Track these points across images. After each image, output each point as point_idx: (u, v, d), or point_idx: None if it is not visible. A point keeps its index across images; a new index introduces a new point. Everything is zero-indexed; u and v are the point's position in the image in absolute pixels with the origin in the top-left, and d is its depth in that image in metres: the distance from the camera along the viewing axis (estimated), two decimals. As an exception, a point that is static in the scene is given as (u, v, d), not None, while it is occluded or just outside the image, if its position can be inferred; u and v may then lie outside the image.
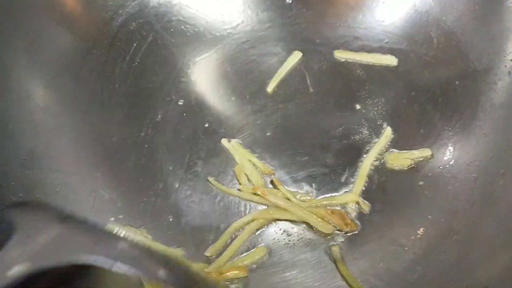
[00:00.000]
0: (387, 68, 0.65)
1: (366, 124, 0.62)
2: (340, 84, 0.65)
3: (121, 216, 0.57)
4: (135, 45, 0.68)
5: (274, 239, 0.55)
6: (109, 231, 0.48)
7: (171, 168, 0.60)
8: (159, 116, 0.63)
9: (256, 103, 0.64)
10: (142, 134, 0.62)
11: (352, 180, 0.58)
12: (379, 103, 0.63)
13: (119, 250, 0.34)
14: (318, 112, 0.63)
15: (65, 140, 0.59)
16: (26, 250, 0.33)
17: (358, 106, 0.63)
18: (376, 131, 0.61)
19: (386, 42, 0.66)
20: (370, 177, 0.58)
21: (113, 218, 0.57)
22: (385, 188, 0.57)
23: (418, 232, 0.53)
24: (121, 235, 0.51)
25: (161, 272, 0.34)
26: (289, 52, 0.68)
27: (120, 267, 0.33)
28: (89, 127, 0.61)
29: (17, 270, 0.32)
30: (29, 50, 0.60)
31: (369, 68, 0.65)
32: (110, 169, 0.59)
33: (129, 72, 0.66)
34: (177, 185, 0.59)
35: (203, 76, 0.67)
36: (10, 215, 0.36)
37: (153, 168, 0.60)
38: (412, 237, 0.53)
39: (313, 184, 0.58)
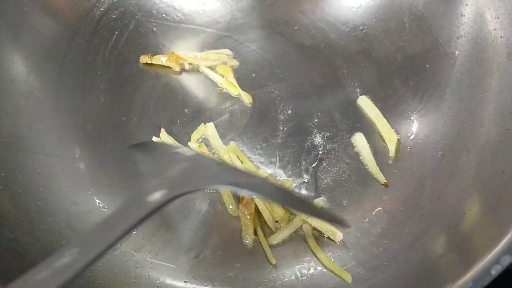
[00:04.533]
0: (361, 53, 0.67)
1: (340, 108, 0.64)
2: (316, 69, 0.67)
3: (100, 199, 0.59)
4: (117, 33, 0.69)
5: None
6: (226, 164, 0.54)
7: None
8: (140, 102, 0.65)
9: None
10: (123, 119, 0.64)
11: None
12: (353, 87, 0.65)
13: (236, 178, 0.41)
14: (294, 96, 0.65)
15: (47, 124, 0.61)
16: (162, 180, 0.39)
17: (333, 91, 0.65)
18: (348, 115, 0.63)
19: (362, 29, 0.68)
20: (342, 157, 0.60)
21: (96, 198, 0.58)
22: (356, 169, 0.59)
23: (382, 208, 0.55)
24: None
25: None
26: (267, 39, 0.70)
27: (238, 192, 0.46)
28: (71, 111, 0.63)
29: (156, 196, 0.37)
30: (13, 37, 0.62)
31: (345, 53, 0.68)
32: (91, 151, 0.61)
33: (111, 59, 0.68)
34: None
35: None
36: (141, 151, 0.47)
37: (132, 152, 0.62)
38: (380, 214, 0.55)
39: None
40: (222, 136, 0.62)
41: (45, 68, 0.64)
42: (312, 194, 0.58)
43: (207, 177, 0.40)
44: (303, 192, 0.58)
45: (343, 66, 0.67)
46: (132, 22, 0.70)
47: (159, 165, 0.42)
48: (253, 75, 0.67)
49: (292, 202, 0.47)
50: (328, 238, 0.54)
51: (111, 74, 0.67)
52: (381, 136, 0.60)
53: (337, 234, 0.53)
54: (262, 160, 0.60)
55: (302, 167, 0.60)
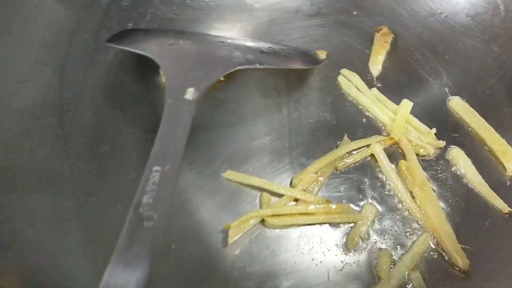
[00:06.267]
0: (444, 43, 0.54)
1: (426, 112, 0.50)
2: (388, 64, 0.53)
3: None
4: (130, 25, 0.54)
5: (333, 265, 0.43)
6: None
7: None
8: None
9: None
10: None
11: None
12: (440, 86, 0.52)
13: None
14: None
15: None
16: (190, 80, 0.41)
17: (414, 90, 0.52)
18: (439, 122, 0.50)
19: (441, 13, 0.55)
20: (441, 178, 0.46)
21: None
22: (463, 194, 0.46)
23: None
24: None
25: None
26: (323, 28, 0.56)
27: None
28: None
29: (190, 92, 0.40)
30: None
31: (422, 43, 0.54)
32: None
33: (124, 62, 0.52)
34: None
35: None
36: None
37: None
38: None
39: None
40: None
41: (44, 74, 0.48)
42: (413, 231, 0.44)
43: (221, 65, 0.43)
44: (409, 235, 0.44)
45: (423, 59, 0.53)
46: (149, 11, 0.55)
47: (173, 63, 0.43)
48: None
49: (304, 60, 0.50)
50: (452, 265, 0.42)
51: (119, 78, 0.51)
52: (490, 149, 0.47)
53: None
54: (336, 185, 0.47)
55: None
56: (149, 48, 0.42)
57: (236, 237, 0.43)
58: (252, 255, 0.43)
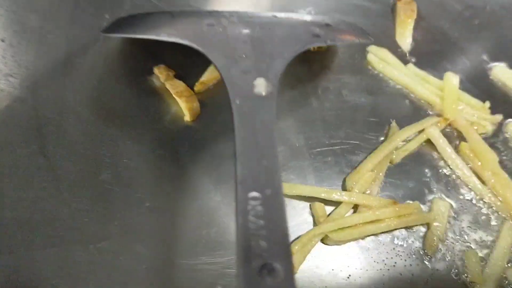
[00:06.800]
0: (470, 8, 0.48)
1: (469, 83, 0.44)
2: (419, 36, 0.47)
3: None
4: (107, 16, 0.43)
5: (417, 276, 0.36)
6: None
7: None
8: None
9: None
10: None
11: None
12: (476, 54, 0.46)
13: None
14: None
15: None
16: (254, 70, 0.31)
17: (451, 61, 0.46)
18: (485, 93, 0.44)
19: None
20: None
21: None
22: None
23: None
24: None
25: None
26: (335, 2, 0.48)
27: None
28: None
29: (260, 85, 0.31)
30: None
31: (447, 13, 0.49)
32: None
33: (109, 63, 0.42)
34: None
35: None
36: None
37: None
38: None
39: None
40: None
41: (8, 92, 0.36)
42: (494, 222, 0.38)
43: (288, 45, 0.33)
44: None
45: (453, 27, 0.48)
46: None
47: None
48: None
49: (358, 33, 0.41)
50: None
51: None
52: (552, 119, 0.42)
53: None
54: (394, 181, 0.39)
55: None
56: (182, 33, 0.31)
57: (302, 264, 0.34)
58: (320, 279, 0.35)
